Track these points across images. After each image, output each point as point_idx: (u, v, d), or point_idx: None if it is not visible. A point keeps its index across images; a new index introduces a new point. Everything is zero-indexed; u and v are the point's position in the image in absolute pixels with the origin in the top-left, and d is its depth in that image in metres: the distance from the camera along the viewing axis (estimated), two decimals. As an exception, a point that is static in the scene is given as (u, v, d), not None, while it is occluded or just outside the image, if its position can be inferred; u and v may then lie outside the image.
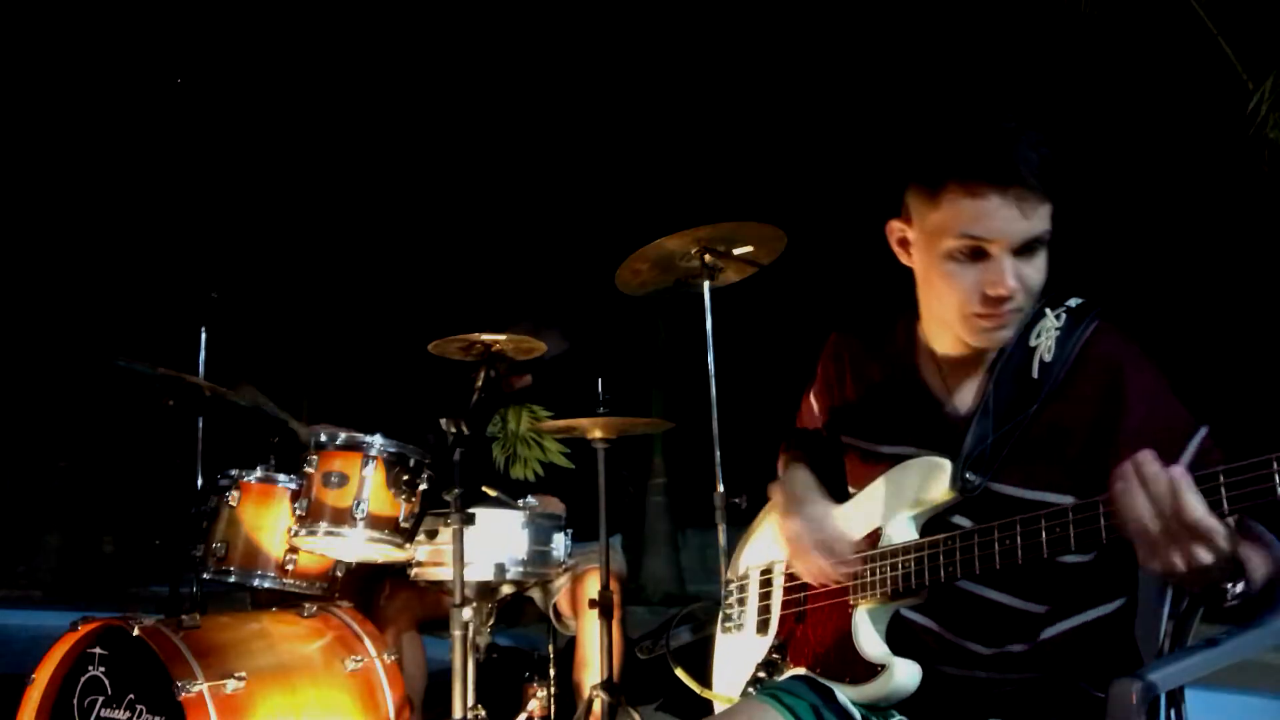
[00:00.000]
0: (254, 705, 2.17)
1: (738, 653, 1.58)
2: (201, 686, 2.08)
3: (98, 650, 2.22)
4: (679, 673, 2.38)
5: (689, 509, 8.68)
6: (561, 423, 2.69)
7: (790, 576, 1.51)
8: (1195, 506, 0.98)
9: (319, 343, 10.40)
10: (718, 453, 2.60)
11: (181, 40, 9.73)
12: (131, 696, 2.15)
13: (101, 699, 2.19)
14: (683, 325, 8.69)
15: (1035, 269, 1.26)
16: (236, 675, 2.16)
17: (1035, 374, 1.29)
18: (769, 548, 1.59)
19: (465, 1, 9.02)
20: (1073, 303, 1.33)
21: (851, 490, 1.49)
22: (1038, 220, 1.22)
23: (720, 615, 1.67)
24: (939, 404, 1.40)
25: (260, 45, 9.73)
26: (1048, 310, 1.33)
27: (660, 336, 8.82)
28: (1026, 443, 1.28)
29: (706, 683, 1.68)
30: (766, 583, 1.57)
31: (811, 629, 1.42)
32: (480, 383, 2.42)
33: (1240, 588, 1.07)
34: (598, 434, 2.49)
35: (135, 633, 2.14)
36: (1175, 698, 1.40)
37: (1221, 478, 0.99)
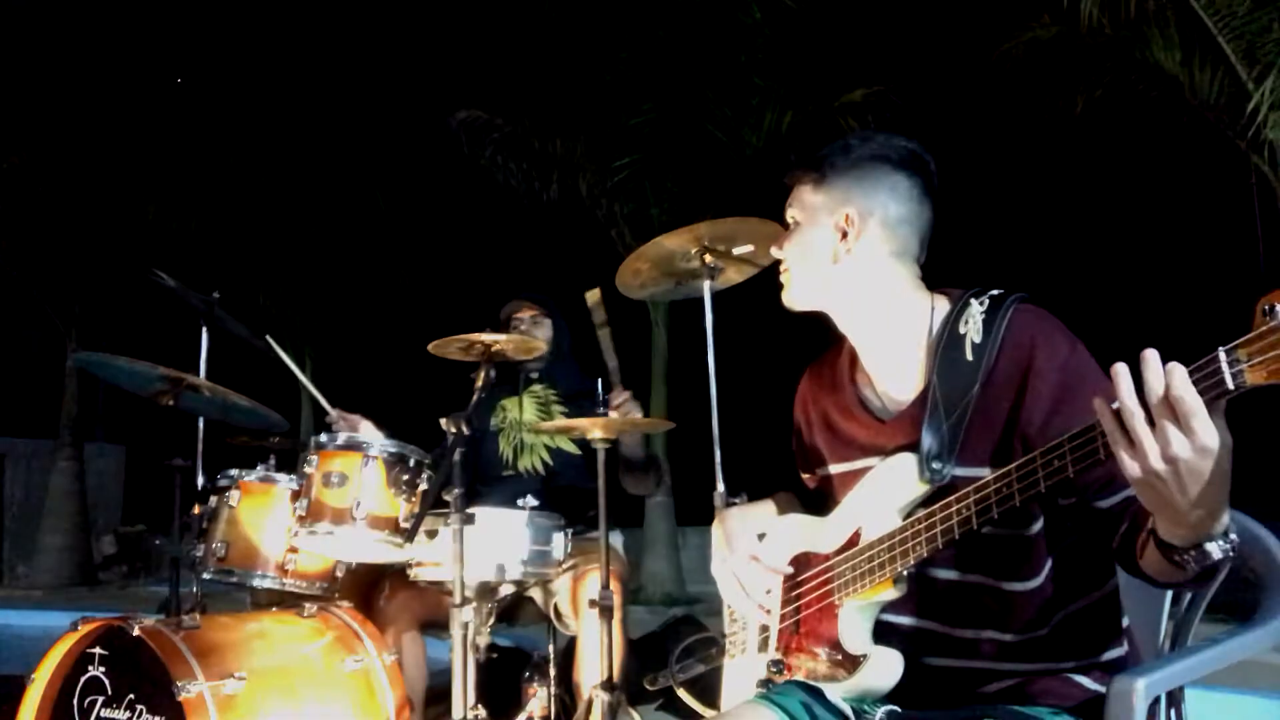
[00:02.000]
0: (254, 705, 2.17)
1: (743, 675, 1.60)
2: (201, 686, 2.08)
3: (98, 650, 2.22)
4: (683, 694, 2.39)
5: (689, 509, 8.68)
6: (561, 423, 2.69)
7: (785, 590, 1.53)
8: (1181, 381, 0.96)
9: (323, 340, 10.42)
10: (718, 453, 2.59)
11: (182, 40, 9.74)
12: (131, 696, 2.15)
13: (101, 699, 2.19)
14: (683, 325, 8.70)
15: (791, 242, 1.51)
16: (236, 675, 2.15)
17: (970, 356, 1.35)
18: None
19: (467, 3, 9.04)
20: (994, 292, 1.41)
21: None
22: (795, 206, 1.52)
23: (726, 643, 1.71)
24: (880, 409, 1.47)
25: (263, 46, 9.74)
26: (972, 300, 1.40)
27: (660, 337, 8.82)
28: (974, 424, 1.33)
29: (713, 706, 1.69)
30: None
31: (805, 637, 1.45)
32: (480, 383, 2.42)
33: (1228, 541, 1.05)
34: (598, 434, 2.48)
35: (135, 633, 2.13)
36: (1175, 698, 1.40)
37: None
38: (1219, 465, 0.98)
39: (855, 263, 1.44)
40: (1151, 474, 0.99)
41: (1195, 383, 0.95)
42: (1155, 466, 0.98)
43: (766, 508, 1.70)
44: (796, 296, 1.52)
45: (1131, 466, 1.00)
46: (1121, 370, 0.99)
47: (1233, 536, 1.06)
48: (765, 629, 1.56)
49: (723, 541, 1.60)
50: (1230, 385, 0.93)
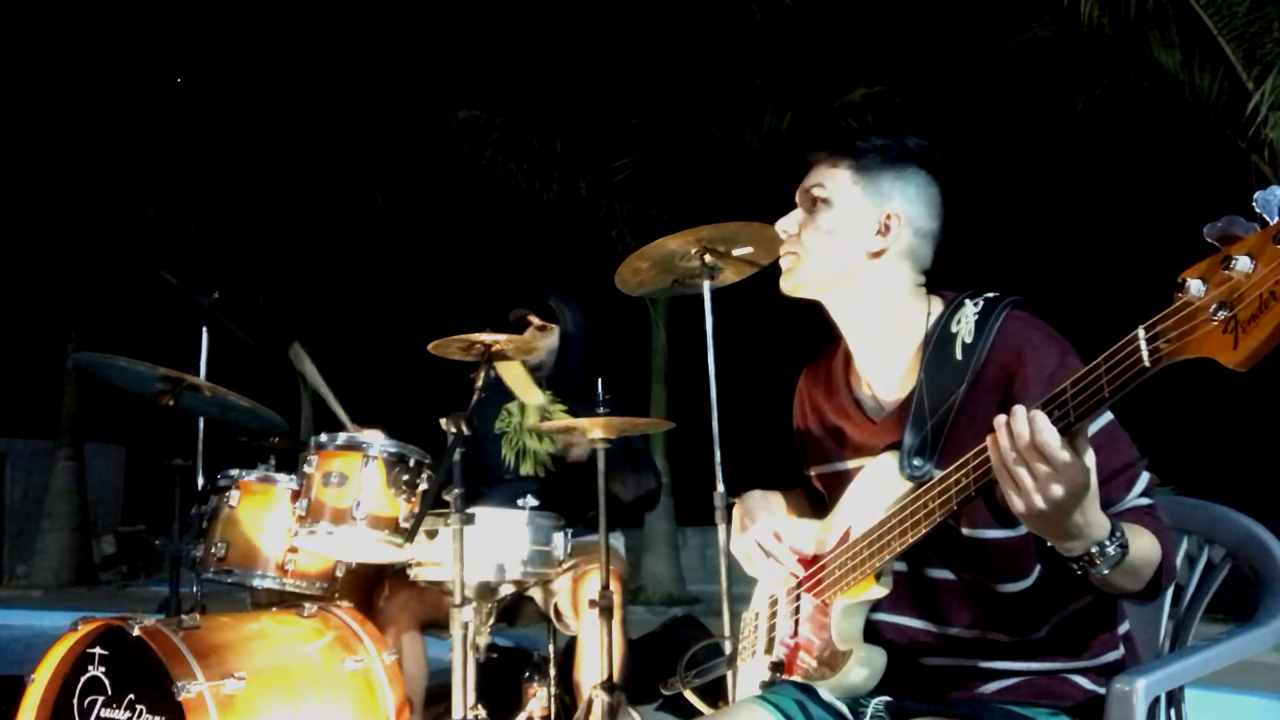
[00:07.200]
0: (254, 705, 2.17)
1: (750, 676, 1.61)
2: (201, 686, 2.08)
3: (98, 650, 2.21)
4: (688, 694, 2.39)
5: (689, 509, 8.69)
6: (561, 423, 2.69)
7: (789, 593, 1.53)
8: (1043, 427, 1.06)
9: (323, 340, 10.41)
10: (718, 453, 2.59)
11: (182, 40, 9.74)
12: (131, 697, 2.15)
13: (101, 699, 2.19)
14: (683, 325, 8.71)
15: (816, 223, 1.43)
16: (236, 675, 2.15)
17: (959, 355, 1.35)
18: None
19: (467, 3, 9.05)
20: (989, 294, 1.41)
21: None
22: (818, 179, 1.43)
23: (740, 647, 1.72)
24: (873, 409, 1.47)
25: (263, 46, 9.73)
26: (967, 300, 1.40)
27: (660, 336, 8.83)
28: (959, 424, 1.32)
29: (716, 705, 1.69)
30: (775, 605, 1.61)
31: (802, 639, 1.46)
32: (480, 383, 2.42)
33: (1113, 549, 1.14)
34: (598, 434, 2.49)
35: (135, 633, 2.13)
36: (1175, 698, 1.40)
37: (1068, 390, 1.06)
38: (1087, 484, 1.09)
39: (882, 264, 1.41)
40: (1036, 510, 1.09)
41: (1115, 364, 1.00)
42: (1038, 505, 1.09)
43: (781, 499, 1.68)
44: (804, 280, 1.45)
45: (1018, 504, 1.11)
46: (1000, 422, 1.10)
47: (1118, 533, 1.15)
48: (772, 630, 1.57)
49: (742, 516, 1.57)
50: (1147, 362, 0.97)
